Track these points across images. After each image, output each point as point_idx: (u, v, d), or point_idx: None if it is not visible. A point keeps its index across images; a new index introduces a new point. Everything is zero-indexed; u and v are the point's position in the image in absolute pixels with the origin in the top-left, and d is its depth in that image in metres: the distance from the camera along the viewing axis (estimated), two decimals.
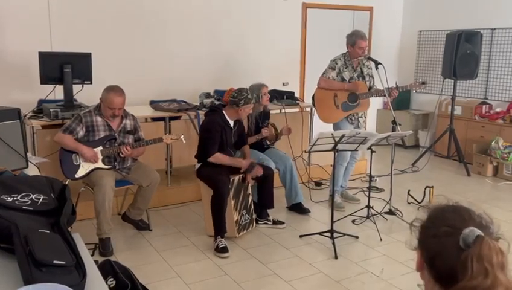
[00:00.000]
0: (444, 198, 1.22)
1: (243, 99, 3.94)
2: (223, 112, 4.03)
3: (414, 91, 5.23)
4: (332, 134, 3.78)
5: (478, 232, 1.06)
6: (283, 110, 5.40)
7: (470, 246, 1.04)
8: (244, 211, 4.15)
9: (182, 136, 4.05)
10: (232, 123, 4.07)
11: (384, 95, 4.67)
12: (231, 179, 3.98)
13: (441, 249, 1.09)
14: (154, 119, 5.02)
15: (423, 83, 4.83)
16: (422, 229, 1.17)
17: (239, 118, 4.11)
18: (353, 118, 4.81)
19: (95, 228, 3.83)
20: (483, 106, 6.69)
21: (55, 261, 1.45)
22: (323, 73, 4.75)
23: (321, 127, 4.74)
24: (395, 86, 4.72)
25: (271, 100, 5.49)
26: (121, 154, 3.87)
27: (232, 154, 4.19)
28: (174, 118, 4.94)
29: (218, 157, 3.94)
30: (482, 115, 6.62)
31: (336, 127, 4.78)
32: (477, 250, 1.03)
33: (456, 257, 1.06)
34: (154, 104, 5.10)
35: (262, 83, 4.69)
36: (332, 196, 4.24)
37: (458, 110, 6.70)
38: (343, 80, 4.71)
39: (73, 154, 3.81)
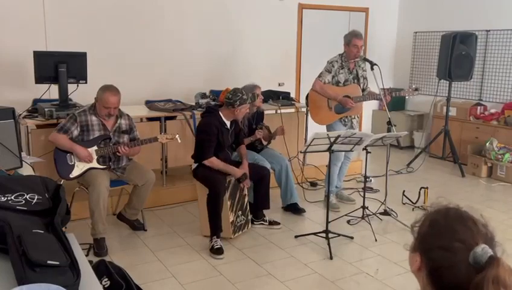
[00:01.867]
0: (444, 200, 1.22)
1: (238, 100, 3.93)
2: (219, 113, 4.03)
3: (407, 97, 5.30)
4: (327, 134, 3.79)
5: (490, 252, 1.06)
6: (278, 111, 5.40)
7: (482, 266, 1.05)
8: (240, 212, 4.15)
9: (177, 136, 4.05)
10: (228, 124, 4.06)
11: (377, 99, 4.72)
12: (227, 180, 3.98)
13: (449, 263, 1.09)
14: (150, 119, 5.01)
15: (416, 89, 4.87)
16: (426, 235, 1.16)
17: (235, 119, 4.11)
18: (346, 120, 4.82)
19: (89, 228, 3.81)
20: (478, 107, 6.72)
21: (49, 262, 1.44)
22: (319, 76, 4.74)
23: (316, 128, 4.75)
24: (388, 91, 4.74)
25: (266, 101, 5.50)
26: (117, 153, 3.85)
27: (229, 155, 4.19)
28: (170, 118, 4.93)
29: (213, 162, 3.93)
30: (477, 116, 6.64)
31: (330, 128, 4.79)
32: (493, 272, 1.03)
33: (465, 273, 1.06)
34: (149, 104, 5.09)
35: (255, 84, 4.69)
36: (327, 196, 4.24)
37: (453, 111, 6.72)
38: (338, 82, 4.71)
39: (68, 154, 3.79)
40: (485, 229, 1.13)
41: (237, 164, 4.15)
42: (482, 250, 1.06)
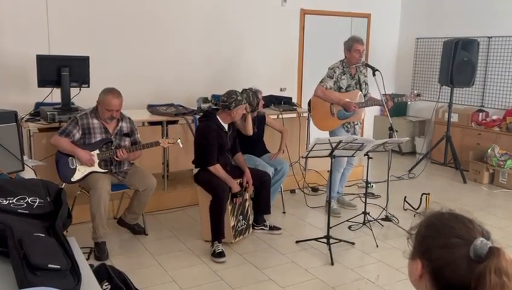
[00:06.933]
0: (438, 205, 1.22)
1: (234, 102, 3.94)
2: (217, 116, 4.03)
3: (409, 102, 5.32)
4: (329, 140, 3.78)
5: (489, 243, 1.07)
6: (280, 116, 5.41)
7: (482, 258, 1.05)
8: (241, 217, 4.14)
9: (179, 140, 4.06)
10: (226, 127, 4.07)
11: (379, 104, 4.73)
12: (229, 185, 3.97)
13: (450, 260, 1.09)
14: (152, 123, 5.01)
15: (418, 95, 4.88)
16: (424, 238, 1.16)
17: (233, 121, 4.11)
18: (349, 126, 4.82)
19: (90, 231, 3.81)
20: (480, 114, 6.71)
21: (50, 265, 1.44)
22: (321, 81, 4.74)
23: (318, 133, 4.75)
24: (390, 97, 4.74)
25: (268, 106, 5.50)
26: (116, 157, 3.86)
27: (229, 159, 4.19)
28: (172, 122, 4.94)
29: (217, 170, 3.93)
30: (479, 123, 6.64)
31: (333, 134, 4.78)
32: (494, 262, 1.04)
33: (467, 268, 1.06)
34: (151, 108, 5.10)
35: (256, 88, 4.70)
36: (328, 201, 4.23)
37: (455, 118, 6.72)
38: (340, 88, 4.71)
39: (70, 158, 3.79)
40: (480, 227, 1.14)
41: (236, 168, 4.16)
42: (482, 242, 1.06)
